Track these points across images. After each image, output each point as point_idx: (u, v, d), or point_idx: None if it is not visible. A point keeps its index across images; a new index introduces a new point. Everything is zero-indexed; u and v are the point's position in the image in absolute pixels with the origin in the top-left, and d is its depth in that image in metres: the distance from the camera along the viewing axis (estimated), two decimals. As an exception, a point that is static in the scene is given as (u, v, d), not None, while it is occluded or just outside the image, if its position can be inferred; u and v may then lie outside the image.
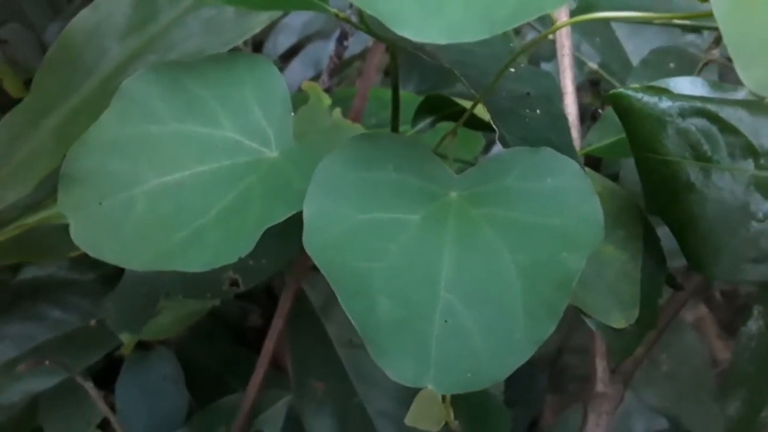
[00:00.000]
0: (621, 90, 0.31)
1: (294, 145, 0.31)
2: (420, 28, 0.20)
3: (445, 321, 0.23)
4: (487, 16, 0.20)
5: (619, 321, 0.32)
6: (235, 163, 0.31)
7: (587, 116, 0.85)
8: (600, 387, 0.39)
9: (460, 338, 0.23)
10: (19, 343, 0.63)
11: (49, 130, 0.50)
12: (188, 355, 0.71)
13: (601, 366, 0.41)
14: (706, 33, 0.68)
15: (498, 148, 0.29)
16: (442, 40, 0.20)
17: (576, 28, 0.78)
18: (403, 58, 0.34)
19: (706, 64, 0.54)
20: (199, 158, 0.31)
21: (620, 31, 0.69)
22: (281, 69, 0.81)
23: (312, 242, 0.24)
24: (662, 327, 0.40)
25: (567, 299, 0.23)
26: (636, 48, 0.67)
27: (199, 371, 0.71)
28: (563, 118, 0.30)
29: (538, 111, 0.29)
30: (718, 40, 0.52)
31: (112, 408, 0.64)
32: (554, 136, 0.29)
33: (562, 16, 0.43)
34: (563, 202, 0.25)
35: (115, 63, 0.49)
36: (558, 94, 0.31)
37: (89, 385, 0.55)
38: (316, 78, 0.72)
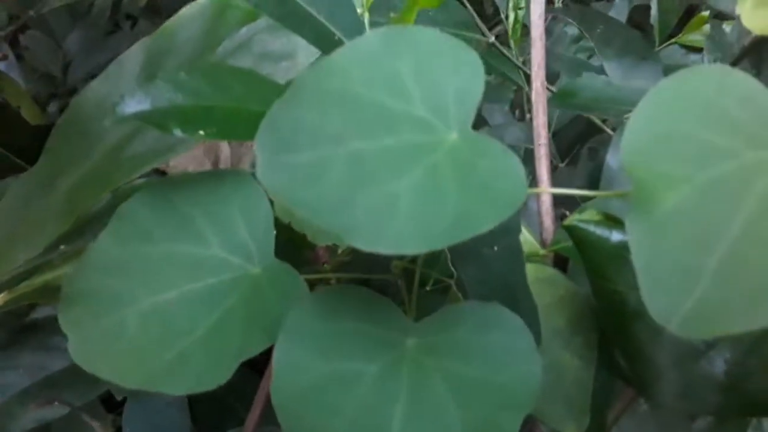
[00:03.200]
0: (575, 222, 0.33)
1: (274, 260, 0.34)
2: (369, 241, 0.22)
3: (394, 475, 0.25)
4: (425, 232, 0.22)
5: (571, 429, 0.35)
6: (221, 280, 0.33)
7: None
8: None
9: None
10: (32, 373, 0.66)
11: (61, 193, 0.53)
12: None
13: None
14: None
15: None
16: (388, 252, 0.22)
17: (570, 67, 0.79)
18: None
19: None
20: (187, 276, 0.33)
21: (613, 74, 0.70)
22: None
23: (279, 394, 0.27)
24: (620, 410, 0.43)
25: (504, 459, 0.26)
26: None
27: (203, 395, 0.74)
28: (520, 254, 0.32)
29: (496, 248, 0.31)
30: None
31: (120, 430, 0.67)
32: (510, 276, 0.31)
33: (540, 110, 0.45)
34: (506, 360, 0.27)
35: (122, 133, 0.52)
36: (518, 224, 0.33)
37: (96, 424, 0.58)
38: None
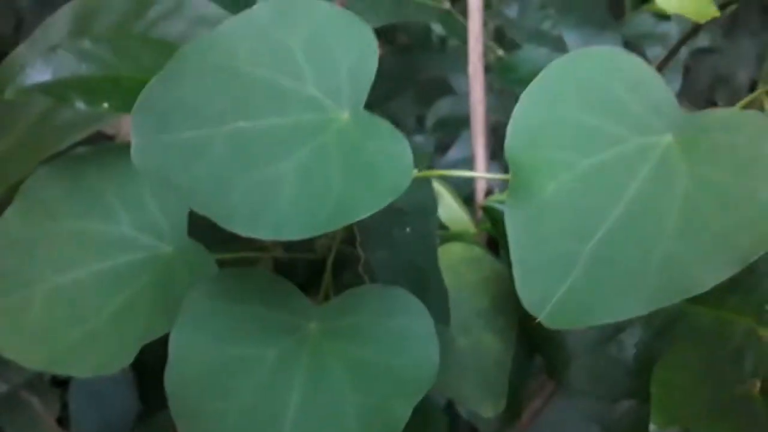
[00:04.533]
0: (492, 204, 0.34)
1: (187, 240, 0.34)
2: (247, 226, 0.23)
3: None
4: (307, 217, 0.23)
5: (488, 410, 0.36)
6: (130, 260, 0.34)
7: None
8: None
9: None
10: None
11: (-13, 165, 0.52)
12: (139, 355, 0.74)
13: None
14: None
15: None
16: (268, 237, 0.23)
17: (526, 37, 0.79)
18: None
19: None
20: (95, 256, 0.34)
21: (572, 45, 0.71)
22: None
23: (171, 379, 0.27)
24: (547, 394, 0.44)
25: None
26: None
27: (152, 372, 0.75)
28: (433, 236, 0.33)
29: (408, 229, 0.32)
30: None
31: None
32: (421, 258, 0.31)
33: (476, 87, 0.45)
34: (405, 344, 0.28)
35: (50, 100, 0.51)
36: (434, 205, 0.33)
37: (35, 400, 0.59)
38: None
